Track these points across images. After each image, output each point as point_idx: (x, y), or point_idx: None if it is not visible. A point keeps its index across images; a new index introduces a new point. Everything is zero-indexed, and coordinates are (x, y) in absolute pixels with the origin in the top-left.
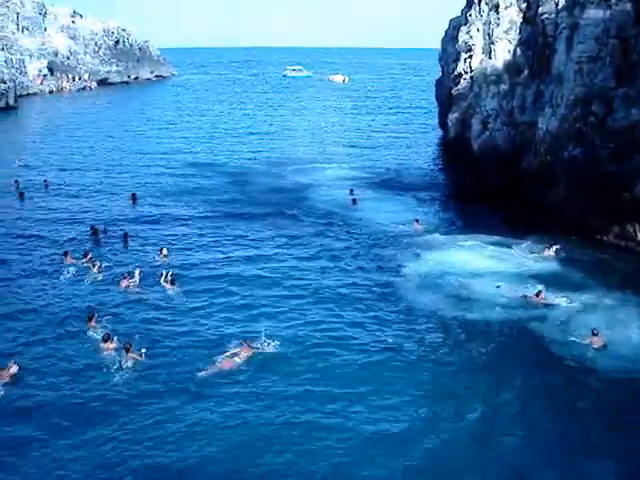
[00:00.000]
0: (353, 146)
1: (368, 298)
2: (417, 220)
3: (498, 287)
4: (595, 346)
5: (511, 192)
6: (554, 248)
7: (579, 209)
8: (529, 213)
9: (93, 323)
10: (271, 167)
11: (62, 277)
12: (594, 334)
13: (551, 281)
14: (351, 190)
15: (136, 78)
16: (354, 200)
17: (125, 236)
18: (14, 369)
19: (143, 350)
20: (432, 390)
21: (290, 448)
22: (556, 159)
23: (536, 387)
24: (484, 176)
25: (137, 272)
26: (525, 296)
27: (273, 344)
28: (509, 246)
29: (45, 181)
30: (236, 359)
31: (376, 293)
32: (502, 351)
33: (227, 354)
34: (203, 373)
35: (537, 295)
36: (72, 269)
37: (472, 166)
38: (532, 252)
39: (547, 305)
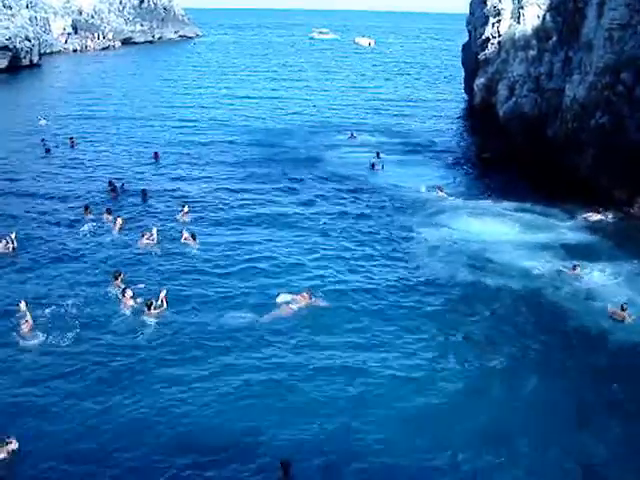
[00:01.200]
0: (377, 110)
1: (391, 261)
2: (440, 187)
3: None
4: (620, 319)
5: (537, 159)
6: (587, 215)
7: (605, 179)
8: (555, 181)
9: (119, 282)
10: (294, 130)
11: (81, 231)
12: (623, 309)
13: (578, 251)
14: (377, 153)
15: (160, 38)
16: (373, 165)
17: (144, 192)
18: (13, 445)
19: (164, 307)
20: (446, 351)
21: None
22: (583, 127)
23: (551, 355)
24: (510, 142)
25: (154, 230)
26: (561, 270)
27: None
28: (534, 213)
29: (71, 138)
30: (294, 306)
31: (399, 258)
32: (520, 318)
33: (286, 300)
34: (264, 318)
35: (573, 269)
36: (91, 224)
37: (498, 132)
38: (560, 220)
39: (579, 278)
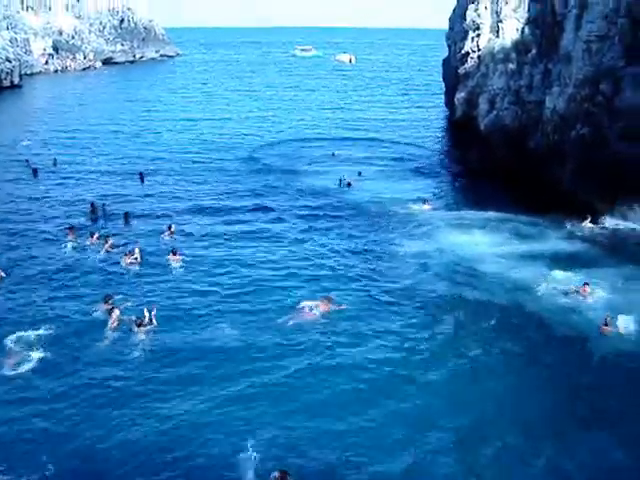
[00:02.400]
0: (359, 126)
1: (376, 276)
2: (425, 200)
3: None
4: (607, 332)
5: (519, 171)
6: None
7: (586, 189)
8: (538, 192)
9: (108, 305)
10: (277, 148)
11: (65, 253)
12: (606, 323)
13: (562, 261)
14: (359, 173)
15: (141, 57)
16: (349, 184)
17: (126, 215)
18: None
19: (154, 324)
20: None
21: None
22: (564, 139)
23: (535, 365)
24: (491, 155)
25: (137, 249)
26: (571, 290)
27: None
28: (520, 224)
29: (54, 159)
30: (315, 312)
31: (383, 273)
32: (504, 330)
33: (308, 305)
34: (284, 320)
35: (584, 288)
36: (75, 245)
37: (479, 145)
38: (546, 230)
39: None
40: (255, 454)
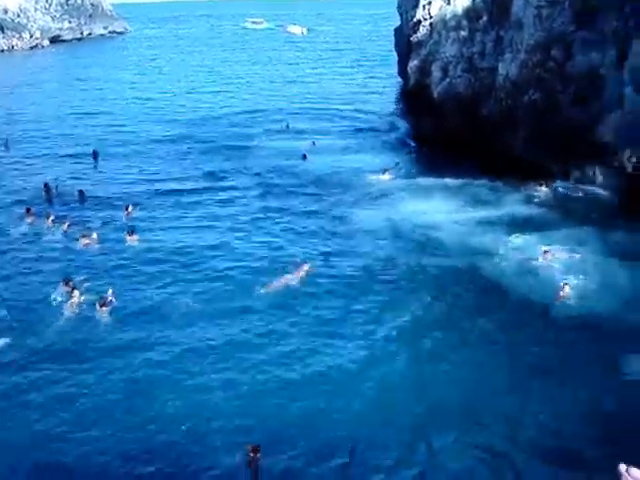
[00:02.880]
0: (312, 97)
1: (335, 248)
2: (385, 169)
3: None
4: (564, 295)
5: (473, 138)
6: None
7: (540, 154)
8: (492, 159)
9: (69, 286)
10: (231, 123)
11: (21, 235)
12: (564, 288)
13: (519, 226)
14: (313, 142)
15: (89, 34)
16: (304, 156)
17: (81, 193)
18: None
19: (114, 304)
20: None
21: None
22: (516, 104)
23: (493, 329)
24: (445, 123)
25: (94, 233)
26: (531, 258)
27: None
28: (478, 190)
29: (6, 140)
30: (291, 276)
31: (342, 244)
32: (463, 296)
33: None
34: (263, 290)
35: (545, 254)
36: (31, 227)
37: (433, 114)
38: (499, 197)
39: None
40: (224, 431)
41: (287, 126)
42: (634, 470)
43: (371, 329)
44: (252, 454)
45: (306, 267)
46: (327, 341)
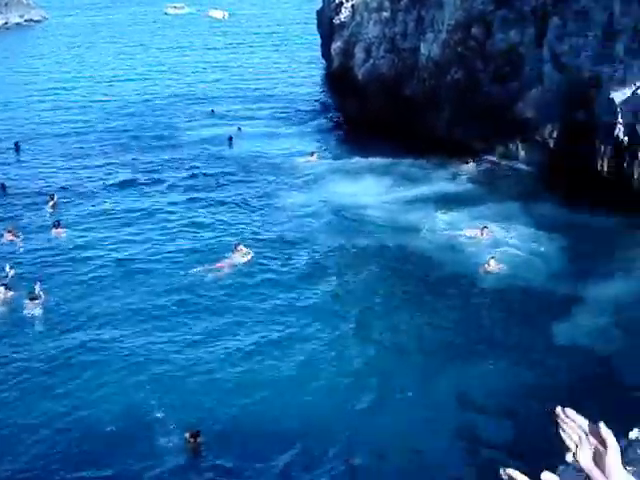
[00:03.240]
0: (238, 82)
1: (265, 233)
2: (312, 152)
3: (443, 213)
4: (490, 269)
5: (398, 118)
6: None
7: (464, 131)
8: (418, 138)
9: None
10: (154, 111)
11: None
12: (490, 263)
13: (448, 202)
14: (239, 128)
15: (5, 24)
16: (230, 139)
17: (2, 186)
18: None
19: (43, 297)
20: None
21: None
22: (439, 84)
23: (424, 304)
24: (370, 104)
25: (17, 228)
26: (468, 235)
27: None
28: (405, 169)
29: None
30: (234, 260)
31: (273, 229)
32: (395, 274)
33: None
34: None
35: (482, 231)
36: None
37: (358, 95)
38: (426, 175)
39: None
40: (164, 418)
41: (212, 112)
42: (569, 410)
43: (302, 309)
44: (192, 439)
45: (240, 253)
46: (258, 322)
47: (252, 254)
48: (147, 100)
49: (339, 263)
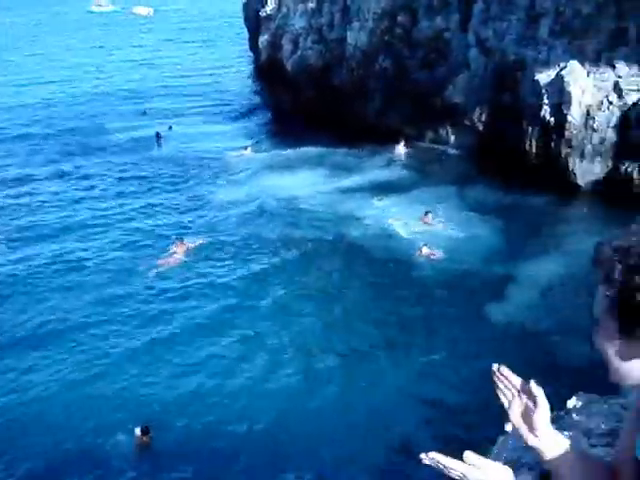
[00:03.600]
0: (167, 80)
1: (201, 229)
2: (246, 147)
3: (380, 200)
4: (424, 254)
5: (330, 108)
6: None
7: (394, 119)
8: (349, 127)
9: None
10: (81, 114)
11: None
12: (422, 250)
13: (383, 189)
14: (169, 127)
15: None
16: (157, 135)
17: None
18: None
19: None
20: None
21: None
22: (368, 73)
23: (364, 286)
24: (300, 96)
25: None
26: (410, 221)
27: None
28: (339, 158)
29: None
30: (176, 256)
31: (208, 224)
32: (334, 263)
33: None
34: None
35: (425, 216)
36: None
37: (288, 87)
38: (360, 163)
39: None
40: (112, 415)
41: (144, 112)
42: (504, 368)
43: (239, 303)
44: (142, 436)
45: (182, 248)
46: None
47: (196, 246)
48: (72, 102)
49: (277, 256)
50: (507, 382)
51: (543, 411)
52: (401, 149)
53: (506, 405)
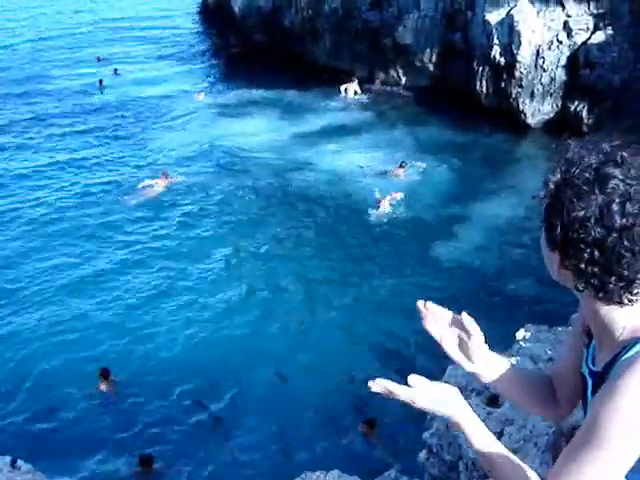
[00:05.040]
0: (106, 24)
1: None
2: (200, 92)
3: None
4: (382, 203)
5: (280, 51)
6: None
7: (345, 60)
8: (300, 70)
9: None
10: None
11: None
12: (379, 202)
13: (334, 133)
14: (115, 70)
15: None
16: (100, 82)
17: None
18: None
19: None
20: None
21: None
22: (317, 13)
23: (323, 236)
24: (250, 38)
25: None
26: (387, 171)
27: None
28: (288, 104)
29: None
30: (156, 188)
31: (154, 171)
32: (291, 212)
33: (147, 183)
34: (126, 198)
35: (400, 167)
36: None
37: (236, 29)
38: (312, 106)
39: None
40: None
41: (98, 59)
42: (430, 304)
43: (191, 254)
44: (102, 379)
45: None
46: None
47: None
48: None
49: (227, 205)
50: (435, 317)
51: (476, 339)
52: (353, 88)
53: (438, 339)
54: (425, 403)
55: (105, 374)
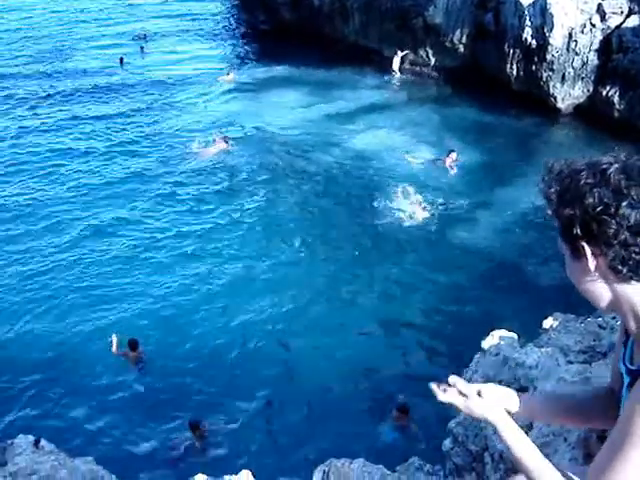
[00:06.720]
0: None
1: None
2: (229, 71)
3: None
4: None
5: (307, 29)
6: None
7: (374, 40)
8: (332, 48)
9: None
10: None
11: None
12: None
13: (363, 112)
14: (141, 47)
15: None
16: (121, 60)
17: None
18: None
19: None
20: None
21: None
22: None
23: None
24: (279, 16)
25: None
26: (435, 160)
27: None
28: (322, 81)
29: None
30: (212, 149)
31: (183, 157)
32: (323, 193)
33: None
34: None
35: (448, 156)
36: None
37: (265, 7)
38: (341, 86)
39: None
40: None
41: (139, 37)
42: (434, 385)
43: (226, 227)
44: (131, 350)
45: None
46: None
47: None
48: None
49: (263, 185)
50: (448, 390)
51: (471, 399)
52: (398, 61)
53: (451, 404)
54: (478, 411)
55: (133, 346)
